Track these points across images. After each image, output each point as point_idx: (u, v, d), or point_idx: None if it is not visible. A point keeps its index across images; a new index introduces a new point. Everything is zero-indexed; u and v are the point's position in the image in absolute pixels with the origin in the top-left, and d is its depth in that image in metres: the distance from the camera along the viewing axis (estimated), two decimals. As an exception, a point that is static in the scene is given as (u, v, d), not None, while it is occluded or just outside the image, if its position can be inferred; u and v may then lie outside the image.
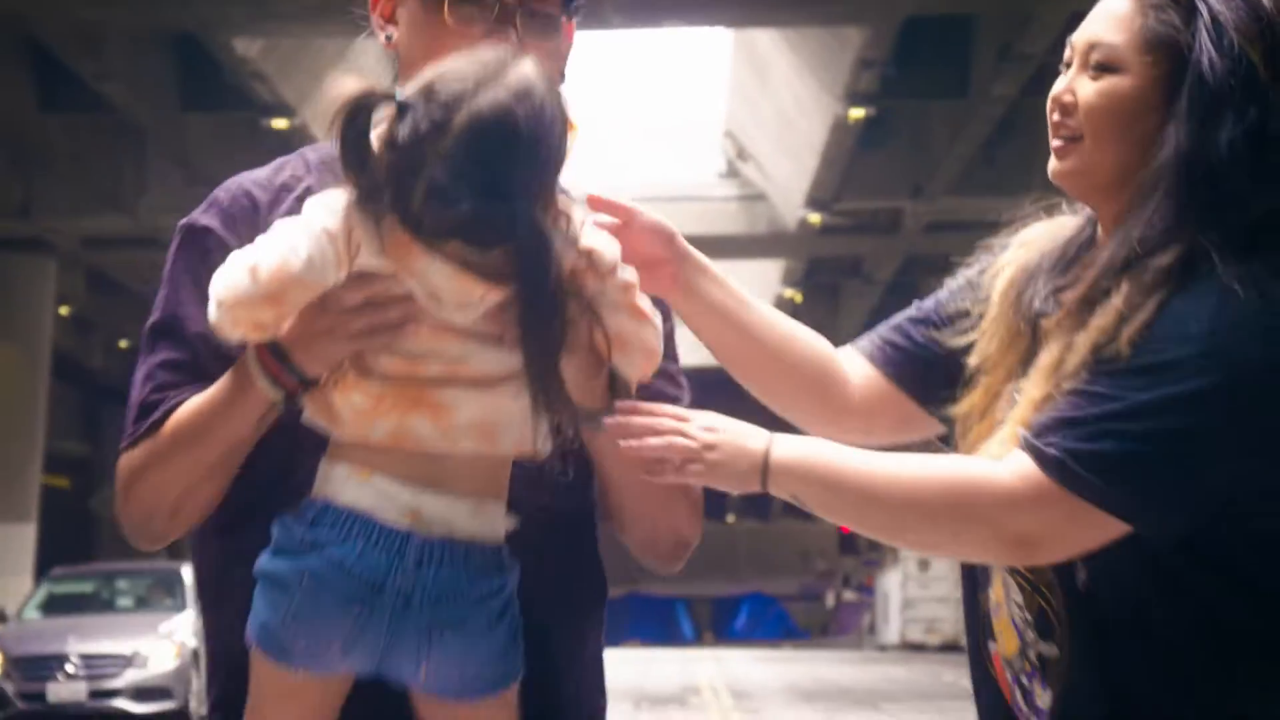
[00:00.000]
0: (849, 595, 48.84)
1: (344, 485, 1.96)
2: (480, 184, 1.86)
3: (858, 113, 19.25)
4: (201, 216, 2.18)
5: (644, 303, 2.00)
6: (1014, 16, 16.69)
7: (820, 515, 2.08)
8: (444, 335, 1.95)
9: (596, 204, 2.09)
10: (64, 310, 29.48)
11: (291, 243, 1.90)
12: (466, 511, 1.96)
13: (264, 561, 1.98)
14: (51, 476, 30.26)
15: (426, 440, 1.93)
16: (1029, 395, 2.05)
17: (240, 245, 2.00)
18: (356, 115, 1.89)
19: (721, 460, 2.02)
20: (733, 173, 26.82)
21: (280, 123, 19.43)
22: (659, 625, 51.47)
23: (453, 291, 1.91)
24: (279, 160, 2.22)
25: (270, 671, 1.98)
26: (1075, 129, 2.08)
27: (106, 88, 18.73)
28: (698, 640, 51.83)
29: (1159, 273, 1.99)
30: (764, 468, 2.03)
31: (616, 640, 40.95)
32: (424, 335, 1.95)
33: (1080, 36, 2.09)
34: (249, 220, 2.14)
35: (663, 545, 2.21)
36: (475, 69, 1.88)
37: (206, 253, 2.13)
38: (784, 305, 28.31)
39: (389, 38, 2.21)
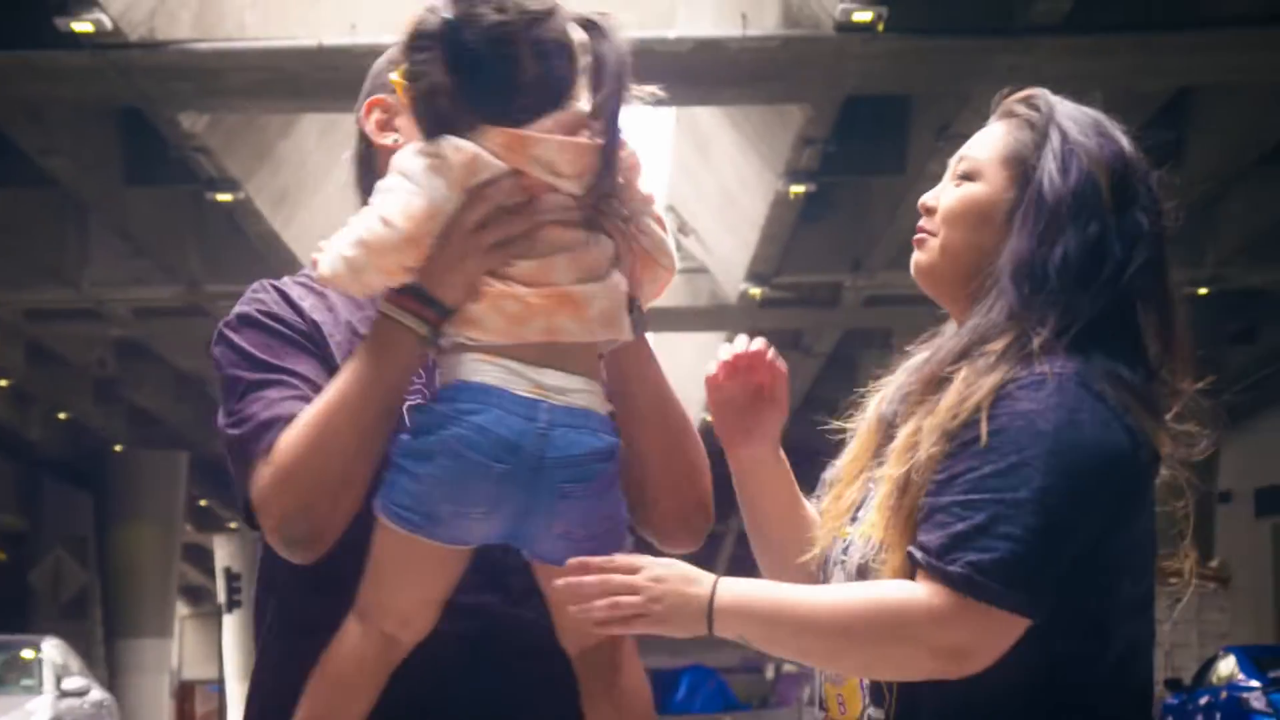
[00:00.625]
0: (788, 667, 48.76)
1: (475, 368, 2.15)
2: (543, 52, 2.14)
3: (798, 189, 19.41)
4: (246, 308, 2.34)
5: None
6: (950, 97, 16.94)
7: (766, 651, 2.25)
8: (562, 230, 2.17)
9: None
10: (3, 383, 29.34)
11: (408, 185, 2.13)
12: (580, 385, 2.17)
13: (403, 442, 2.16)
14: (-12, 550, 30.07)
15: (572, 334, 2.17)
16: (887, 474, 2.25)
17: (288, 322, 2.26)
18: (420, 42, 2.15)
19: (668, 612, 2.16)
20: (675, 246, 26.93)
21: (225, 197, 19.46)
22: (599, 698, 51.15)
23: (567, 161, 2.15)
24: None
25: (403, 547, 2.17)
26: (933, 229, 2.33)
27: (50, 162, 18.73)
28: (638, 713, 51.57)
29: (992, 356, 2.21)
30: (709, 614, 2.16)
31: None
32: (547, 234, 2.16)
33: (955, 155, 2.36)
34: (287, 305, 2.33)
35: (691, 516, 2.39)
36: None
37: (265, 327, 2.30)
38: (725, 378, 28.39)
39: (364, 147, 2.40)
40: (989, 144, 2.33)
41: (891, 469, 2.24)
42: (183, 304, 24.67)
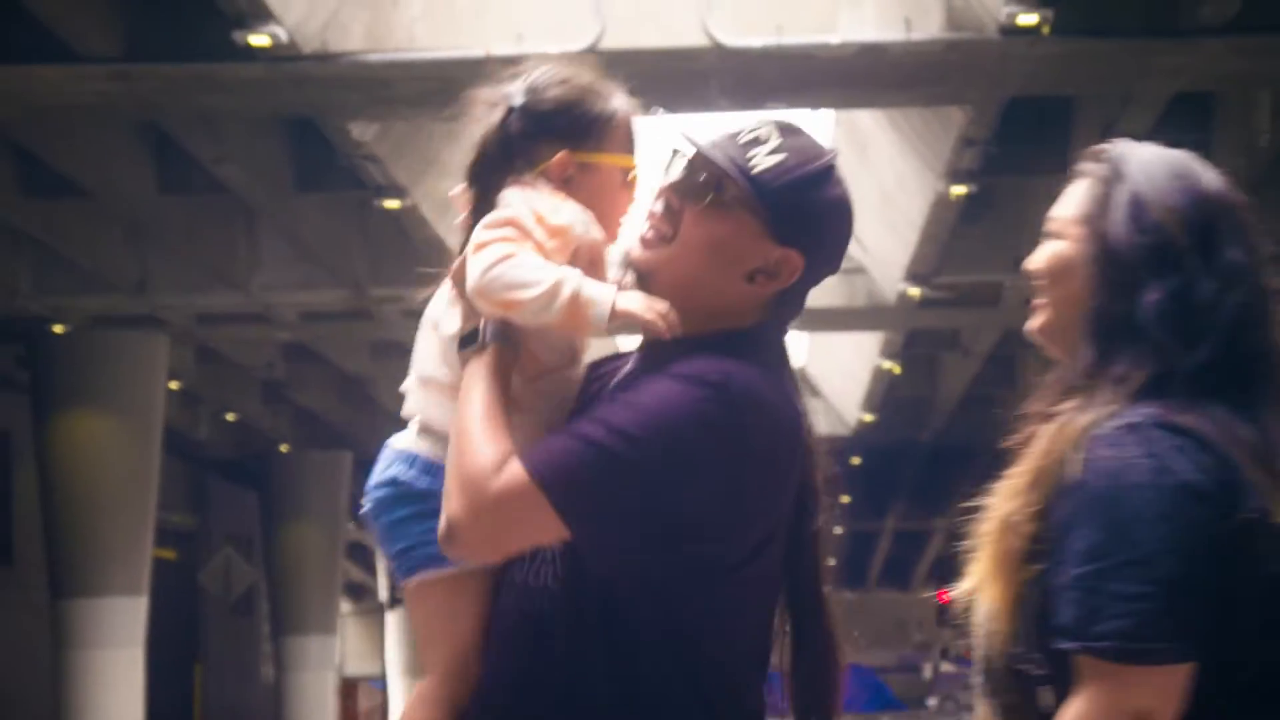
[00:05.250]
0: (947, 666, 48.57)
1: None
2: None
3: (959, 190, 19.38)
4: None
5: None
6: (1114, 97, 16.85)
7: None
8: None
9: None
10: (173, 385, 29.91)
11: None
12: None
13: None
14: (159, 549, 30.58)
15: None
16: (992, 514, 2.40)
17: None
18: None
19: None
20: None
21: (392, 203, 19.80)
22: (756, 696, 51.21)
23: None
24: None
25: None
26: (1039, 289, 2.46)
27: (223, 170, 19.14)
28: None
29: (1077, 405, 2.32)
30: None
31: None
32: None
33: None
34: None
35: None
36: None
37: None
38: (882, 376, 28.39)
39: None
40: (1068, 203, 2.44)
41: (995, 510, 2.34)
42: (348, 308, 25.09)
